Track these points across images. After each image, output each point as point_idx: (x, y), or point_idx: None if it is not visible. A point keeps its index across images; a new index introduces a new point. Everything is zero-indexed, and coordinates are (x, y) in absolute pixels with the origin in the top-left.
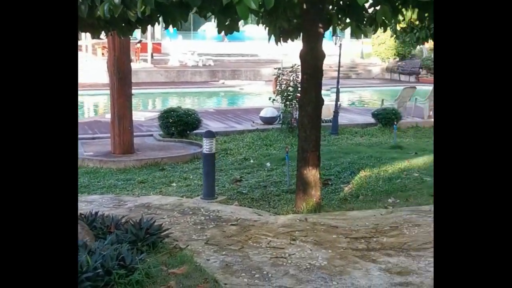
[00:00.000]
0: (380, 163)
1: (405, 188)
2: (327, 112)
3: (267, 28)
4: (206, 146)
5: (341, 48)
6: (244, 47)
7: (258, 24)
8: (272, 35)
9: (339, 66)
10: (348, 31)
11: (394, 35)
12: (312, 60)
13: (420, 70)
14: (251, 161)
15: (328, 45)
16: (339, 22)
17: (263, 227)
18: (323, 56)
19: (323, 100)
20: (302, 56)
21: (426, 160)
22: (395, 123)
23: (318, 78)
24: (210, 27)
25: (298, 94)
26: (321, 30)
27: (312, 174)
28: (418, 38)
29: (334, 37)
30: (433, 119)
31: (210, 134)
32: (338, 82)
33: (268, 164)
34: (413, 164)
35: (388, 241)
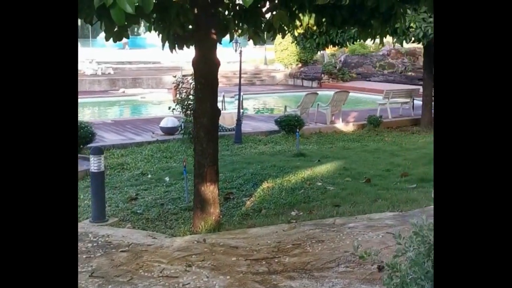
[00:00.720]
0: (283, 172)
1: (308, 199)
2: (230, 120)
3: (160, 35)
4: (94, 164)
5: (241, 55)
6: (146, 55)
7: (150, 30)
8: (167, 42)
9: (240, 74)
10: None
11: (295, 41)
12: (206, 68)
13: (322, 75)
14: (149, 176)
15: (230, 51)
16: (236, 28)
17: (157, 253)
18: (217, 63)
19: (219, 111)
20: (195, 64)
21: (329, 167)
22: (298, 130)
23: (213, 87)
24: None
25: None
26: (214, 36)
27: (210, 190)
28: (318, 44)
29: (234, 44)
30: (334, 124)
31: (98, 151)
32: (240, 89)
33: (167, 178)
34: (316, 172)
35: (290, 262)
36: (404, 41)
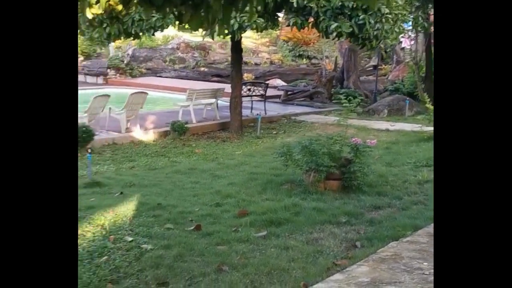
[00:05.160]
0: None
1: (117, 274)
2: None
3: None
4: None
5: None
6: None
7: None
8: None
9: None
10: None
11: (78, 30)
12: None
13: (108, 70)
14: None
15: None
16: None
17: None
18: None
19: None
20: None
21: (137, 205)
22: (89, 151)
23: None
24: None
25: None
26: None
27: None
28: (109, 35)
29: None
30: (131, 133)
31: None
32: None
33: None
34: (121, 215)
35: None
36: (215, 34)
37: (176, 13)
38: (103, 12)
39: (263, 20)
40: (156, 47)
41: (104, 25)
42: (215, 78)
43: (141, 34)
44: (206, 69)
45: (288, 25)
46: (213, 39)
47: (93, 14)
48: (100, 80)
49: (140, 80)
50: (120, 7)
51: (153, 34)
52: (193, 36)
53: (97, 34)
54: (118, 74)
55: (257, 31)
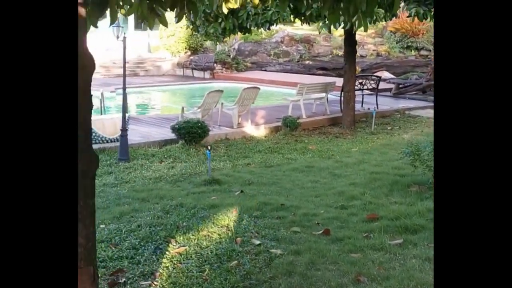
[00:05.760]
0: (197, 219)
1: (249, 281)
2: (112, 128)
3: None
4: None
5: (125, 42)
6: None
7: None
8: None
9: (124, 67)
10: (131, 21)
11: (191, 26)
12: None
13: (215, 65)
14: None
15: (108, 37)
16: (120, 3)
17: None
18: (90, 63)
19: (96, 159)
20: None
21: (259, 205)
22: (209, 149)
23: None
24: None
25: None
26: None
27: None
28: (224, 29)
29: (114, 28)
30: (243, 128)
31: None
32: (124, 89)
33: None
34: (244, 215)
35: None
36: (331, 27)
37: (313, 6)
38: (239, 6)
39: (383, 11)
40: (260, 41)
41: (219, 20)
42: (320, 71)
43: (255, 28)
44: (310, 62)
45: (409, 16)
46: (330, 32)
47: (228, 8)
48: (207, 74)
49: (246, 74)
50: (256, 1)
51: (269, 28)
52: (296, 29)
53: (212, 30)
54: (224, 69)
55: (371, 23)
